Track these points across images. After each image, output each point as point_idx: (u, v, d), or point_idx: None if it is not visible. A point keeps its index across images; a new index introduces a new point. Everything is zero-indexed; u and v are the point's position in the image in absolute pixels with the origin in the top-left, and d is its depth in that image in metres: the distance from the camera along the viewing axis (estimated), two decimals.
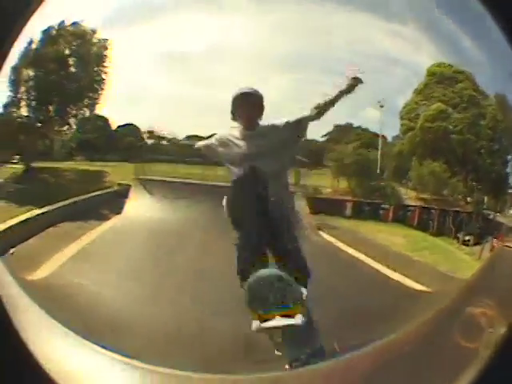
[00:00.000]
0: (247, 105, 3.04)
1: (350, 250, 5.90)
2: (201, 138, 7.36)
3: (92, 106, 8.37)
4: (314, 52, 6.91)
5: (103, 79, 8.13)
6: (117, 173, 8.58)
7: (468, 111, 6.93)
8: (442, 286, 4.71)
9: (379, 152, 7.24)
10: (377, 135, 7.39)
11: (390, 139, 7.65)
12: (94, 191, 8.05)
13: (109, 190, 8.27)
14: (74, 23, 7.85)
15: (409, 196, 7.09)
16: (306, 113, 2.98)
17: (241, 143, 3.01)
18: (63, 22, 7.73)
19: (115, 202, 7.71)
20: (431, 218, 6.77)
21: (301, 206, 6.59)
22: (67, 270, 5.30)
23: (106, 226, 6.90)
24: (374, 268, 5.44)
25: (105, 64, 7.99)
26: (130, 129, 8.78)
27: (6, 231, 6.10)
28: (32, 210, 6.82)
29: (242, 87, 3.09)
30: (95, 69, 8.07)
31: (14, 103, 7.81)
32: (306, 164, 6.97)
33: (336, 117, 6.78)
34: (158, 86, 7.89)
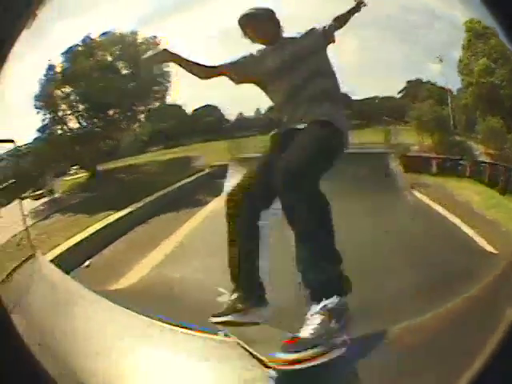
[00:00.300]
0: (254, 25, 3.07)
1: (439, 209, 5.87)
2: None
3: (161, 99, 8.44)
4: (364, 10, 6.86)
5: (165, 72, 8.16)
6: (205, 154, 8.44)
7: (506, 67, 7.00)
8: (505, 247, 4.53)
9: (449, 106, 7.19)
10: (444, 89, 7.31)
11: (455, 93, 7.48)
12: (183, 178, 7.94)
13: (201, 174, 8.09)
14: (104, 33, 8.01)
15: (480, 151, 7.00)
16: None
17: (265, 58, 3.02)
18: (89, 35, 7.85)
19: (210, 184, 7.47)
20: (498, 175, 6.67)
21: (395, 165, 6.66)
22: (167, 266, 5.25)
23: (206, 210, 6.70)
24: (460, 228, 5.34)
25: None
26: (208, 110, 8.67)
27: (80, 244, 6.00)
28: (110, 214, 6.71)
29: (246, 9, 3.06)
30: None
31: (55, 122, 7.82)
32: (391, 122, 6.93)
33: (405, 73, 7.13)
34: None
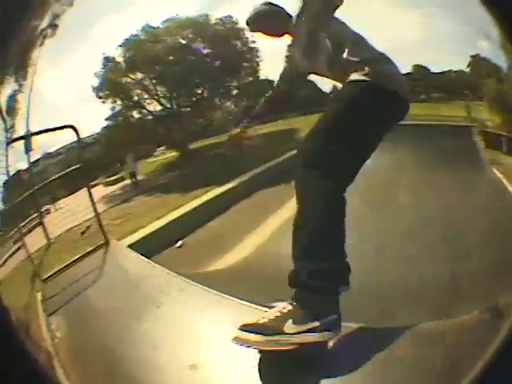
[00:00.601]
0: (264, 30, 3.20)
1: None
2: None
3: (253, 73, 8.33)
4: None
5: (253, 48, 8.12)
6: (305, 128, 8.11)
7: None
8: None
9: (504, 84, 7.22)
10: (497, 66, 7.31)
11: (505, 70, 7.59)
12: (289, 151, 7.28)
13: None
14: (167, 20, 7.85)
15: None
16: None
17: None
18: (148, 24, 7.78)
19: None
20: None
21: (478, 140, 6.48)
22: (274, 244, 4.96)
23: None
24: None
25: (246, 35, 7.94)
26: None
27: (169, 225, 5.89)
28: (207, 191, 6.55)
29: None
30: (236, 42, 8.12)
31: (129, 108, 7.96)
32: (471, 97, 7.06)
33: (466, 47, 6.59)
34: None
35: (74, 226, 5.64)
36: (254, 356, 2.25)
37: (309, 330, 2.09)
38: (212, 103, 8.55)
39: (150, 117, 8.04)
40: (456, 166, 6.06)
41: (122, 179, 7.79)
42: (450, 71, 7.59)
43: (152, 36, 7.75)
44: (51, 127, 5.51)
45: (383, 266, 4.04)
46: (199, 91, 8.30)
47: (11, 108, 5.54)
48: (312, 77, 8.12)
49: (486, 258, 3.92)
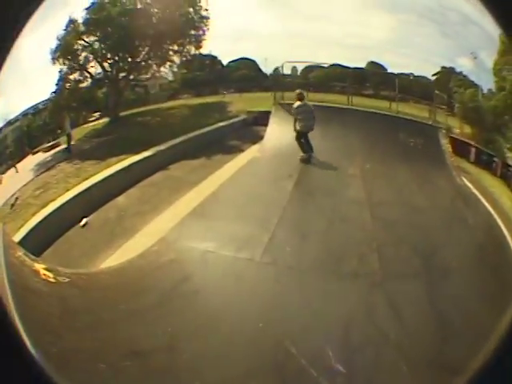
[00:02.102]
0: None
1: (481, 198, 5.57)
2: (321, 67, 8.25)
3: (198, 44, 8.03)
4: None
5: (203, 16, 7.83)
6: (240, 103, 8.11)
7: None
8: None
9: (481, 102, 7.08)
10: (475, 85, 7.14)
11: (484, 91, 7.23)
12: (216, 123, 7.65)
13: (238, 119, 7.81)
14: None
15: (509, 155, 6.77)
16: None
17: None
18: None
19: (247, 130, 7.36)
20: None
21: (446, 142, 6.48)
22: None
23: (242, 158, 6.37)
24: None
25: (199, 4, 7.76)
26: (243, 62, 8.40)
27: (76, 198, 5.42)
28: (123, 159, 6.19)
29: None
30: (189, 9, 7.80)
31: (73, 70, 7.47)
32: (439, 99, 6.74)
33: (439, 59, 7.04)
34: (262, 22, 7.53)
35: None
36: None
37: None
38: (149, 69, 8.17)
39: (89, 80, 7.58)
40: (417, 162, 5.92)
41: (57, 144, 7.32)
42: (409, 74, 7.74)
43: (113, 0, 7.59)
44: None
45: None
46: (139, 55, 7.91)
47: None
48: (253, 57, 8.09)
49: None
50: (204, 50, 8.19)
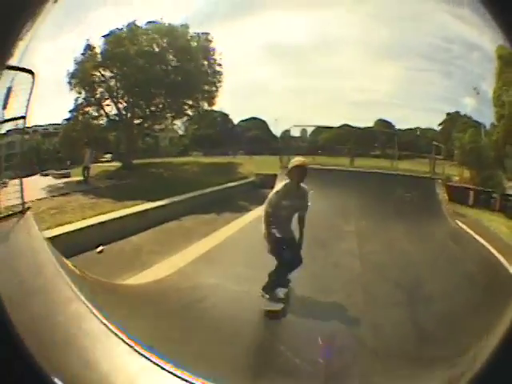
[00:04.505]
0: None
1: (479, 238, 5.81)
2: (330, 128, 8.39)
3: (210, 100, 8.44)
4: (410, 38, 7.20)
5: (217, 71, 8.29)
6: (249, 165, 8.61)
7: None
8: None
9: (483, 140, 7.44)
10: (479, 123, 7.47)
11: (488, 127, 7.54)
12: (226, 183, 8.03)
13: (246, 181, 8.26)
14: (151, 22, 8.16)
15: (508, 185, 7.08)
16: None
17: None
18: (134, 22, 8.01)
19: (254, 192, 7.61)
20: None
21: (442, 192, 6.73)
22: (197, 270, 4.81)
23: (249, 217, 6.66)
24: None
25: (213, 57, 8.17)
26: (253, 122, 8.91)
27: (94, 226, 5.80)
28: (138, 204, 6.62)
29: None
30: (203, 62, 8.20)
31: (90, 104, 7.86)
32: (438, 150, 7.08)
33: (444, 104, 7.22)
34: (273, 79, 8.11)
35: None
36: None
37: None
38: (163, 120, 8.68)
39: (105, 119, 8.10)
40: (412, 214, 6.11)
41: (69, 175, 7.93)
42: (415, 129, 8.18)
43: (132, 35, 7.95)
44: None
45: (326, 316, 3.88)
46: (154, 104, 8.35)
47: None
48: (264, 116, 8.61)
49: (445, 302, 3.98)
50: (215, 107, 8.60)
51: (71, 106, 7.86)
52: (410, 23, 7.11)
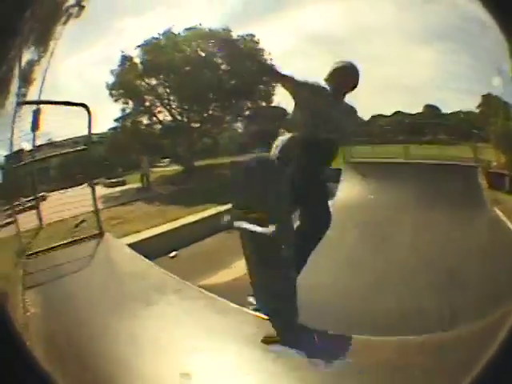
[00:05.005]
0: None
1: None
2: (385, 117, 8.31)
3: (267, 98, 8.63)
4: (434, 22, 7.17)
5: None
6: None
7: None
8: None
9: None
10: (508, 104, 7.20)
11: None
12: None
13: None
14: (189, 28, 8.32)
15: None
16: None
17: None
18: (170, 29, 8.23)
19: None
20: None
21: (481, 180, 6.79)
22: None
23: None
24: None
25: (264, 56, 8.13)
26: None
27: (166, 234, 6.03)
28: (206, 208, 6.73)
29: None
30: (253, 63, 8.45)
31: (140, 112, 8.12)
32: (478, 137, 7.34)
33: (478, 85, 7.14)
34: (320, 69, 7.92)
35: (70, 218, 5.85)
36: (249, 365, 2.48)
37: None
38: (222, 122, 8.88)
39: (158, 126, 8.26)
40: (458, 205, 6.14)
41: (124, 183, 8.00)
42: (459, 112, 8.12)
43: (173, 43, 8.16)
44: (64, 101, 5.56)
45: (380, 303, 4.01)
46: (211, 108, 8.60)
47: (27, 76, 5.90)
48: None
49: (483, 291, 4.00)
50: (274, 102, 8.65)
51: (117, 115, 8.25)
52: (429, 5, 7.17)
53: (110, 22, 7.25)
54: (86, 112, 5.44)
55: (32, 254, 4.82)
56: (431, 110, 8.06)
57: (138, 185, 8.34)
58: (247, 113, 8.91)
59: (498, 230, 5.83)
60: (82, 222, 5.80)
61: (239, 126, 9.23)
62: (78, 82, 7.69)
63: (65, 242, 5.08)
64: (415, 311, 3.68)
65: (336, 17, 7.75)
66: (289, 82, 3.46)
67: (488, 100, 7.67)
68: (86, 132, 5.61)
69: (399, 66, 7.48)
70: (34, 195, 5.80)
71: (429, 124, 8.27)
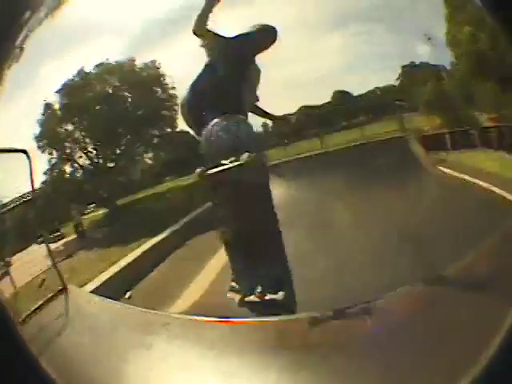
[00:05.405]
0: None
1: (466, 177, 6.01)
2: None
3: (171, 123, 8.62)
4: (345, 5, 7.15)
5: (172, 95, 8.48)
6: None
7: (486, 30, 7.32)
8: None
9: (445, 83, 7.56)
10: (438, 68, 7.52)
11: (448, 68, 7.64)
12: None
13: None
14: (99, 65, 8.21)
15: (484, 118, 7.33)
16: None
17: None
18: (82, 69, 8.01)
19: None
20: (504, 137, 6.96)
21: (417, 147, 6.93)
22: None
23: None
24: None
25: (165, 82, 8.38)
26: None
27: (116, 275, 6.03)
28: (144, 242, 6.78)
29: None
30: (157, 89, 8.40)
31: (63, 161, 7.98)
32: (401, 108, 7.37)
33: (397, 59, 7.21)
34: None
35: (33, 278, 5.79)
36: None
37: None
38: (134, 155, 8.82)
39: (80, 172, 8.12)
40: (394, 177, 6.21)
41: (63, 235, 8.01)
42: (374, 90, 8.17)
43: (83, 82, 8.00)
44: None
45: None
46: (123, 142, 8.55)
47: None
48: None
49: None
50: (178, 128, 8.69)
51: (45, 168, 7.94)
52: None
53: (37, 68, 7.07)
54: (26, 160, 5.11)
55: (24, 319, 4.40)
56: (340, 95, 8.03)
57: (73, 236, 8.05)
58: (155, 141, 8.90)
59: (447, 184, 6.01)
60: (43, 280, 5.49)
61: (150, 156, 9.24)
62: (13, 134, 7.46)
63: (38, 304, 4.62)
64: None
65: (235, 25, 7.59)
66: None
67: (410, 70, 7.81)
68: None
69: (302, 61, 7.39)
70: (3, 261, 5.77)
71: (339, 110, 8.24)
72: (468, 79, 7.36)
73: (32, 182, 5.25)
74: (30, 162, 5.08)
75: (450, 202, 5.41)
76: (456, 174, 6.36)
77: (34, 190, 5.38)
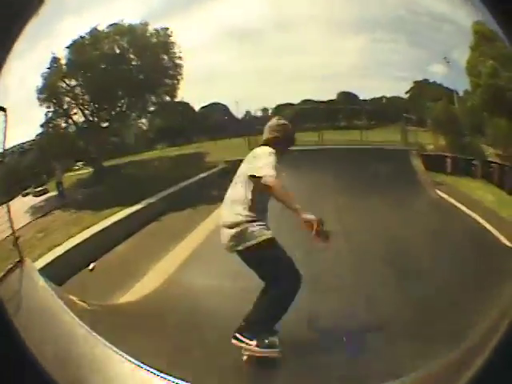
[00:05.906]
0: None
1: (461, 206, 5.99)
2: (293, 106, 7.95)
3: (171, 92, 8.46)
4: (374, 12, 7.16)
5: (178, 64, 8.25)
6: (216, 152, 8.59)
7: (510, 68, 7.25)
8: None
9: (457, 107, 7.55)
10: (451, 91, 7.53)
11: (461, 94, 7.66)
12: (196, 174, 7.96)
13: (216, 169, 8.10)
14: (112, 24, 8.02)
15: (489, 152, 7.22)
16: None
17: None
18: (96, 27, 7.83)
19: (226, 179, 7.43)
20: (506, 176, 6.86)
21: (418, 163, 6.88)
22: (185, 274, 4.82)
23: None
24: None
25: (173, 51, 8.18)
26: (214, 107, 8.85)
27: (81, 244, 5.75)
28: (117, 211, 6.60)
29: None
30: (164, 56, 8.22)
31: (59, 115, 7.85)
32: (408, 121, 7.26)
33: (411, 73, 7.26)
34: (231, 62, 7.80)
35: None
36: None
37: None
38: (129, 119, 8.75)
39: (73, 128, 8.05)
40: (388, 188, 6.12)
41: (46, 191, 7.88)
42: (381, 97, 8.11)
43: (94, 40, 7.88)
44: None
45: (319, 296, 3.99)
46: (119, 105, 8.42)
47: None
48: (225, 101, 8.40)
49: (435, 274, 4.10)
50: (177, 98, 8.60)
51: (42, 121, 7.78)
52: None
53: (54, 22, 7.02)
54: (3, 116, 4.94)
55: None
56: (346, 96, 8.03)
57: (55, 192, 7.82)
58: (152, 108, 8.80)
59: (444, 211, 5.97)
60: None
61: (145, 122, 9.16)
62: (20, 87, 7.45)
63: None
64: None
65: (257, 7, 7.42)
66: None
67: (422, 86, 7.80)
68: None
69: (319, 56, 7.33)
70: None
71: (342, 110, 8.30)
72: (480, 110, 7.36)
73: (4, 140, 5.07)
74: (5, 121, 4.92)
75: (443, 230, 5.28)
76: (453, 200, 6.30)
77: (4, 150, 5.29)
